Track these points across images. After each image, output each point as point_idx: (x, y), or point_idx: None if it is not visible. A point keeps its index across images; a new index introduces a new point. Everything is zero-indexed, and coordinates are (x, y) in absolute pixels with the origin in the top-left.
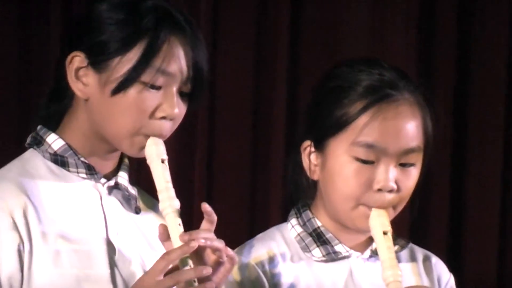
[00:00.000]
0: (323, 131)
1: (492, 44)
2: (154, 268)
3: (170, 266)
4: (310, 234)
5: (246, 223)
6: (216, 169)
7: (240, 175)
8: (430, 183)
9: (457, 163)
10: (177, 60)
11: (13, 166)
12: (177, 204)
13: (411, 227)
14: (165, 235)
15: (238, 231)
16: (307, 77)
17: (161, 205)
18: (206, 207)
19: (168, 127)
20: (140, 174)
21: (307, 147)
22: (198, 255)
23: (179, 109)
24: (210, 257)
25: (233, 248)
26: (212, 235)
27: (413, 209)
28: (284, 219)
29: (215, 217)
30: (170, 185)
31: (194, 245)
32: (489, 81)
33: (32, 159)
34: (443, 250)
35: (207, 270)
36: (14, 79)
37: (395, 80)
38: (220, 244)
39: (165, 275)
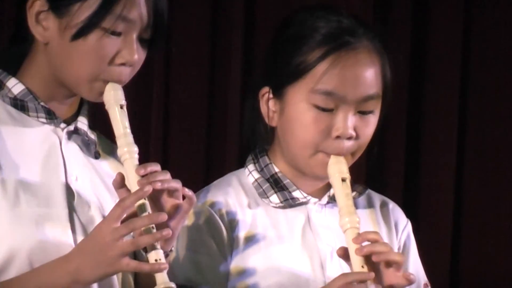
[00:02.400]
0: (282, 79)
1: None
2: (110, 215)
3: (127, 212)
4: (268, 180)
5: (203, 168)
6: (172, 114)
7: (196, 121)
8: (387, 130)
9: (414, 110)
10: (137, 7)
11: None
12: (135, 149)
13: (368, 174)
14: (120, 182)
15: (194, 176)
16: (263, 23)
17: (119, 151)
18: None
19: (127, 73)
20: (97, 119)
21: (266, 93)
22: (155, 200)
23: (138, 56)
24: (168, 201)
25: None
26: (168, 176)
27: (371, 156)
28: (240, 165)
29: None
30: (129, 130)
31: (148, 189)
32: (446, 29)
33: None
34: (399, 196)
35: (162, 217)
36: None
37: (354, 27)
38: (177, 184)
39: (123, 222)
